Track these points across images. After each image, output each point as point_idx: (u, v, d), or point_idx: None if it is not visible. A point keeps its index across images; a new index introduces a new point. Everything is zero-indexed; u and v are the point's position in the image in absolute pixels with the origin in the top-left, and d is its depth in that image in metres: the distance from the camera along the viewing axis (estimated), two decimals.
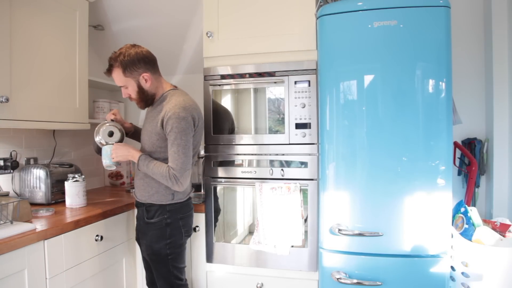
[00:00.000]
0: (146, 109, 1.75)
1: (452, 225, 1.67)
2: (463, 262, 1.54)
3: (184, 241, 1.68)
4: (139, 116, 2.78)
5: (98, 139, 1.70)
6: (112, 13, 2.33)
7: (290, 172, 1.80)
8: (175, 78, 2.76)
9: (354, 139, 1.59)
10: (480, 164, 2.08)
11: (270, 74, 1.82)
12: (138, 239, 1.77)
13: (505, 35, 1.98)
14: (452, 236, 1.59)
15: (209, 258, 1.94)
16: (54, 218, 1.64)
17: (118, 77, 1.61)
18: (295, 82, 1.78)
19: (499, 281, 1.47)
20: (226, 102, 2.03)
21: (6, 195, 1.73)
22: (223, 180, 1.90)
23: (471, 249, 1.52)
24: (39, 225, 1.48)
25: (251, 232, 2.19)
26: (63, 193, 1.91)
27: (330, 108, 1.62)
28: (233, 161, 1.88)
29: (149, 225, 1.63)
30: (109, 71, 1.61)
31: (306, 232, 1.78)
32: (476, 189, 2.10)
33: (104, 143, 1.68)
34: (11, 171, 1.91)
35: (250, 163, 1.86)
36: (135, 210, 1.78)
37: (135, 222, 1.78)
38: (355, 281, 1.58)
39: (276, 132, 1.86)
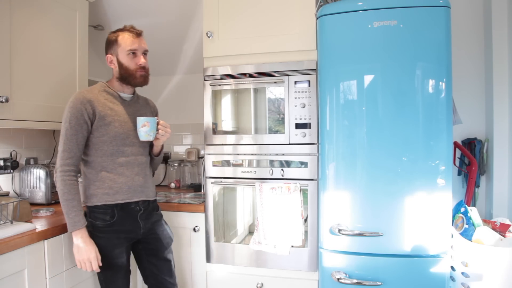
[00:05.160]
0: (109, 106, 1.56)
1: (452, 225, 1.67)
2: (463, 262, 1.54)
3: None
4: None
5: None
6: (112, 13, 2.33)
7: (290, 172, 1.80)
8: (175, 78, 2.76)
9: (354, 139, 1.59)
10: (480, 164, 2.07)
11: (270, 74, 1.82)
12: (149, 237, 1.69)
13: (505, 35, 1.98)
14: (452, 236, 1.59)
15: (209, 258, 1.94)
16: (54, 218, 1.64)
17: (145, 42, 1.61)
18: (295, 82, 1.78)
19: (499, 281, 1.47)
20: (226, 102, 2.03)
21: (6, 195, 1.73)
22: (223, 180, 1.90)
23: (471, 249, 1.52)
24: (39, 225, 1.48)
25: (251, 232, 2.20)
26: None
27: (330, 108, 1.62)
28: (233, 161, 1.88)
29: (160, 215, 1.74)
30: (140, 34, 1.59)
31: (306, 232, 1.78)
32: (476, 189, 2.10)
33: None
34: (11, 171, 1.91)
35: (250, 163, 1.86)
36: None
37: (142, 224, 1.62)
38: (355, 281, 1.58)
39: (276, 132, 1.86)
